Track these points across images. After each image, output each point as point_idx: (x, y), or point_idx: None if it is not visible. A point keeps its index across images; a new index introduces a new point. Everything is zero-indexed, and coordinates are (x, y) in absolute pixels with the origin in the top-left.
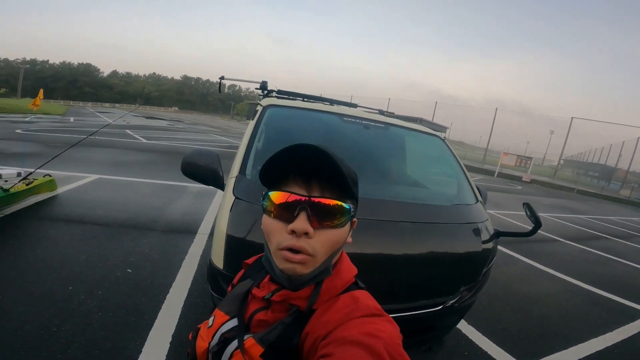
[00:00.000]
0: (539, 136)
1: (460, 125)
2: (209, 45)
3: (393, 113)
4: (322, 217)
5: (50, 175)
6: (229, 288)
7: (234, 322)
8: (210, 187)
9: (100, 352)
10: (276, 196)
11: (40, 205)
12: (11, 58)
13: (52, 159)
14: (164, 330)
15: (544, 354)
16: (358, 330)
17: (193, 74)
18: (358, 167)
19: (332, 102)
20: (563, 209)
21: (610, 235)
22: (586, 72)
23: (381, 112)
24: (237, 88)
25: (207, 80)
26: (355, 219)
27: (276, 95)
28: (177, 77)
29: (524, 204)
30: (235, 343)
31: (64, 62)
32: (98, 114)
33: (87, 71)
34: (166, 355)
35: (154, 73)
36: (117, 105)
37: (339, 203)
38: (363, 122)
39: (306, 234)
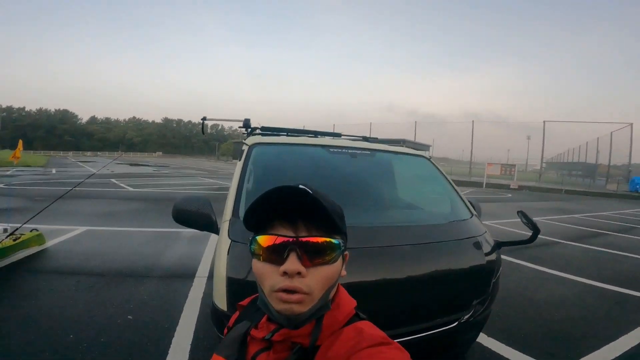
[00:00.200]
0: (517, 143)
1: (442, 142)
2: (188, 86)
3: (376, 138)
4: (313, 255)
5: (37, 230)
6: (225, 331)
7: None
8: (203, 232)
9: None
10: (264, 240)
11: (30, 259)
12: None
13: (38, 213)
14: None
15: (577, 356)
16: None
17: (174, 115)
18: (349, 197)
19: (316, 133)
20: (556, 210)
21: (609, 231)
22: (551, 75)
23: (365, 139)
24: (219, 127)
25: (189, 122)
26: (347, 253)
27: (260, 132)
28: (158, 120)
29: (518, 211)
30: None
31: (40, 109)
32: (80, 163)
33: (64, 118)
34: None
35: (134, 117)
36: (99, 153)
37: (327, 239)
38: (349, 151)
39: (299, 273)
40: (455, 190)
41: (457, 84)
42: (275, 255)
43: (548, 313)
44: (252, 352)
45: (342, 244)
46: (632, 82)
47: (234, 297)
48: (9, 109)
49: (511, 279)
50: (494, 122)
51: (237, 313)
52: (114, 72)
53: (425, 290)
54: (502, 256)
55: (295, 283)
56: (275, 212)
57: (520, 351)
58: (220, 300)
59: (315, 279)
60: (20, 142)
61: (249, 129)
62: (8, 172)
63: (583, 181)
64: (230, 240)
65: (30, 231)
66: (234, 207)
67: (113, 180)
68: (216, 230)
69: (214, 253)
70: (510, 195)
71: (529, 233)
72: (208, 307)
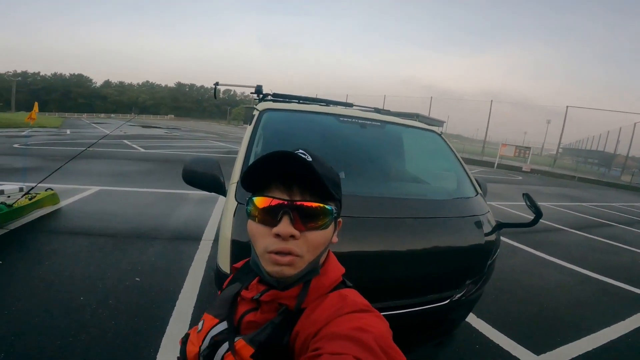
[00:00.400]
0: (536, 126)
1: (457, 119)
2: (201, 51)
3: (389, 110)
4: (305, 219)
5: (52, 189)
6: (219, 293)
7: (223, 325)
8: (211, 194)
9: None
10: (259, 201)
11: (44, 219)
12: (1, 71)
13: (53, 172)
14: (177, 337)
15: (557, 345)
16: (347, 326)
17: (187, 80)
18: (355, 166)
19: (327, 102)
20: (565, 197)
21: (614, 222)
22: (580, 59)
23: (377, 110)
24: (232, 93)
25: (202, 86)
26: (340, 219)
27: (271, 98)
28: (171, 84)
29: (523, 194)
30: (225, 345)
31: (55, 74)
32: (94, 125)
33: (79, 82)
34: None
35: (148, 81)
36: (112, 115)
37: (320, 205)
38: (359, 121)
39: (292, 236)
40: (464, 167)
41: (478, 62)
42: (269, 217)
43: (538, 299)
44: (241, 312)
45: (334, 211)
46: None
47: (237, 259)
48: (24, 74)
49: (508, 262)
50: (513, 103)
51: (231, 276)
52: (129, 37)
53: (420, 265)
54: (503, 238)
55: (289, 245)
56: (272, 176)
57: (505, 334)
58: (224, 263)
59: (307, 243)
60: (36, 104)
61: (261, 95)
62: (23, 133)
63: (598, 170)
64: (236, 203)
65: (45, 190)
66: (242, 170)
67: (125, 141)
68: (224, 192)
69: (221, 215)
70: (520, 177)
71: (532, 216)
72: (212, 271)
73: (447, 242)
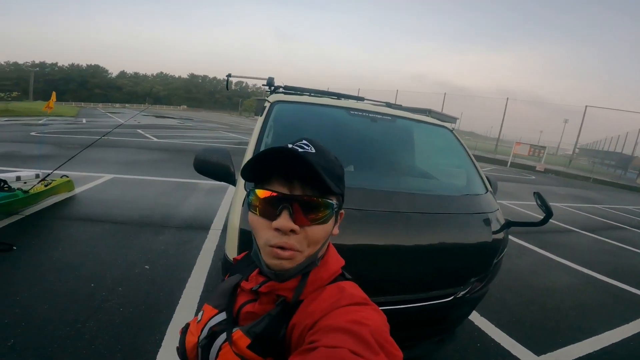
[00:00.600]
0: (552, 125)
1: (471, 116)
2: (214, 43)
3: (400, 105)
4: (305, 213)
5: (67, 176)
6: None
7: (222, 316)
8: (221, 184)
9: (122, 346)
10: (260, 194)
11: (59, 206)
12: (20, 61)
13: (69, 160)
14: (182, 325)
15: (558, 346)
16: (344, 319)
17: (200, 71)
18: (364, 159)
19: (339, 96)
20: (578, 198)
21: (627, 225)
22: (600, 59)
23: (388, 105)
24: (244, 85)
25: (214, 78)
26: (342, 211)
27: (283, 91)
28: (184, 75)
29: (534, 193)
30: (223, 336)
31: (72, 64)
32: (109, 114)
33: (95, 72)
34: None
35: (162, 72)
36: (127, 105)
37: (320, 199)
38: (370, 115)
39: (292, 231)
40: (474, 164)
41: (495, 58)
42: (270, 209)
43: (542, 299)
44: (240, 303)
45: (335, 205)
46: None
47: (245, 248)
48: (42, 64)
49: (515, 261)
50: (530, 101)
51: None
52: (144, 30)
53: (425, 260)
54: (512, 238)
55: (289, 240)
56: (273, 169)
57: (507, 334)
58: (232, 251)
59: (307, 237)
60: (54, 93)
61: (272, 87)
62: (41, 121)
63: (614, 172)
64: (245, 192)
65: (61, 177)
66: None
67: (139, 130)
68: (233, 182)
69: (230, 204)
70: (534, 177)
71: (542, 216)
72: (219, 261)
73: (453, 238)
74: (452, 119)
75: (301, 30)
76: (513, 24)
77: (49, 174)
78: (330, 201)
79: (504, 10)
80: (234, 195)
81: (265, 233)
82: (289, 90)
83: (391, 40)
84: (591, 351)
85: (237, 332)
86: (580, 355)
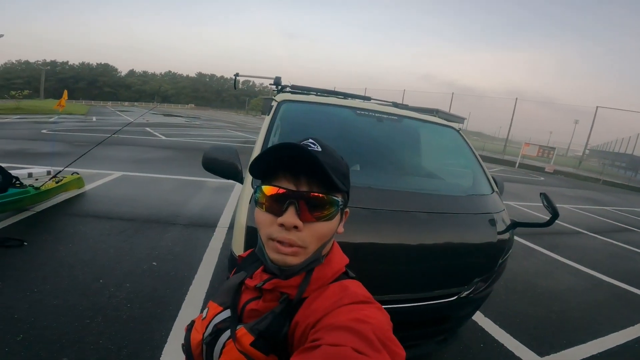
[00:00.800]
0: (562, 126)
1: (479, 116)
2: (222, 42)
3: (407, 105)
4: (310, 210)
5: (78, 173)
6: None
7: (227, 313)
8: (228, 182)
9: (129, 342)
10: (267, 189)
11: (69, 202)
12: (31, 60)
13: (80, 157)
14: (188, 321)
15: (562, 347)
16: (347, 317)
17: (207, 70)
18: (369, 158)
19: (345, 95)
20: (587, 200)
21: (637, 228)
22: (612, 58)
23: (395, 105)
24: (251, 84)
25: (222, 77)
26: (347, 210)
27: (290, 90)
28: (192, 74)
29: (540, 194)
30: (227, 333)
31: (83, 63)
32: (118, 112)
33: (105, 71)
34: None
35: (170, 71)
36: (135, 103)
37: (326, 197)
38: (376, 115)
39: (295, 227)
40: (481, 165)
41: (503, 58)
42: (276, 205)
43: (548, 301)
44: (244, 300)
45: (341, 202)
46: None
47: (251, 245)
48: (53, 63)
49: (521, 262)
50: (539, 101)
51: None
52: (153, 29)
53: (429, 260)
54: (519, 239)
55: (291, 236)
56: (281, 166)
57: (511, 335)
58: (238, 248)
59: (311, 234)
60: (65, 91)
61: (279, 87)
62: (52, 119)
63: (624, 174)
64: (253, 190)
65: (72, 174)
66: None
67: (148, 128)
68: (241, 180)
69: (237, 202)
70: (542, 178)
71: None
72: (225, 258)
73: (458, 238)
74: (460, 119)
75: (308, 30)
76: (523, 23)
77: (60, 171)
78: (336, 198)
79: (514, 9)
80: (241, 192)
81: (269, 228)
82: (295, 89)
83: (399, 40)
84: (595, 353)
85: (241, 330)
86: (584, 356)
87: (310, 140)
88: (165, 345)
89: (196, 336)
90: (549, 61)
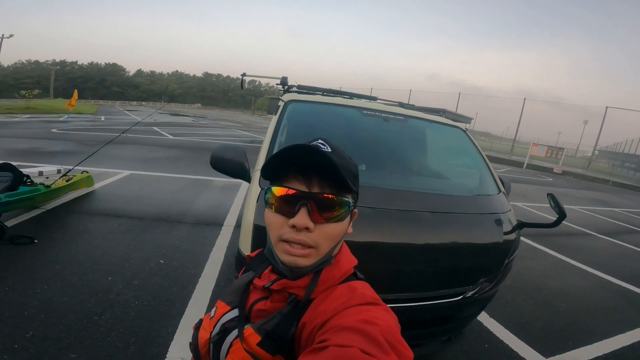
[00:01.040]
0: (571, 126)
1: (486, 116)
2: (228, 42)
3: (413, 105)
4: (321, 211)
5: (87, 172)
6: (238, 276)
7: (234, 313)
8: (234, 181)
9: (136, 339)
10: (278, 191)
11: (78, 200)
12: (41, 60)
13: (89, 156)
14: (194, 320)
15: (568, 348)
16: (354, 318)
17: (214, 70)
18: (376, 158)
19: (351, 95)
20: (596, 201)
21: None
22: (623, 58)
23: (401, 105)
24: (257, 83)
25: (228, 76)
26: (355, 210)
27: (296, 90)
28: (199, 74)
29: (548, 194)
30: (235, 332)
31: (92, 63)
32: (126, 112)
33: (113, 71)
34: None
35: (177, 71)
36: (143, 103)
37: (338, 197)
38: (382, 115)
39: (307, 228)
40: (488, 165)
41: (511, 58)
42: (287, 207)
43: (554, 302)
44: (252, 300)
45: (351, 203)
46: None
47: (258, 244)
48: (62, 63)
49: (528, 263)
50: (548, 102)
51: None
52: (161, 29)
53: (435, 259)
54: (526, 240)
55: (302, 237)
56: (292, 167)
57: (516, 335)
58: (245, 247)
59: (322, 235)
60: (75, 91)
61: (286, 87)
62: (62, 119)
63: (634, 175)
64: (260, 189)
65: (82, 173)
66: (267, 157)
67: (155, 128)
68: (248, 179)
69: (244, 200)
70: (550, 179)
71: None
72: (232, 257)
73: (464, 238)
74: (467, 119)
75: (314, 29)
76: (532, 22)
77: (70, 170)
78: (347, 199)
79: (523, 7)
80: (249, 191)
81: (279, 229)
82: (302, 89)
83: (406, 39)
84: (600, 354)
85: (248, 329)
86: (590, 358)
87: (320, 141)
88: (172, 342)
89: (204, 335)
90: (558, 61)
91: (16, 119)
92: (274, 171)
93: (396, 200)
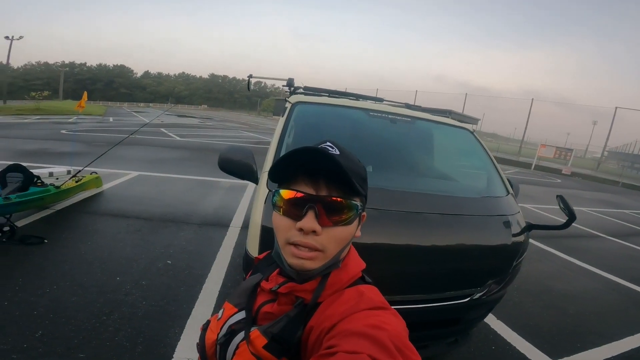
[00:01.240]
0: (580, 127)
1: (494, 117)
2: (234, 44)
3: (420, 106)
4: (329, 214)
5: (96, 173)
6: (246, 277)
7: (241, 315)
8: (240, 182)
9: (144, 339)
10: (285, 193)
11: (87, 201)
12: (50, 61)
13: (99, 157)
14: (201, 320)
15: (576, 350)
16: (362, 323)
17: (220, 72)
18: (383, 160)
19: (358, 97)
20: (605, 203)
21: None
22: (633, 57)
23: (407, 106)
24: (262, 85)
25: (234, 78)
26: (364, 213)
27: (303, 92)
28: (205, 75)
29: (557, 196)
30: (241, 334)
31: (100, 64)
32: (134, 113)
33: (121, 72)
34: None
35: (183, 72)
36: (150, 104)
37: (346, 201)
38: (389, 116)
39: (314, 231)
40: (495, 166)
41: (519, 58)
42: (295, 209)
43: (562, 304)
44: (259, 302)
45: (360, 206)
46: None
47: (266, 245)
48: (72, 65)
49: (536, 265)
50: (556, 102)
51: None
52: (169, 31)
53: (443, 261)
54: (535, 242)
55: (309, 240)
56: (300, 170)
57: (523, 337)
58: (253, 248)
59: (330, 238)
60: (85, 93)
61: (292, 88)
62: (71, 120)
63: None
64: (268, 190)
65: (91, 174)
66: (274, 159)
67: (163, 129)
68: (256, 180)
69: (252, 201)
70: (559, 180)
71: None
72: (238, 257)
73: (472, 240)
74: (474, 120)
75: (320, 30)
76: (540, 22)
77: (79, 171)
78: (355, 202)
79: (530, 7)
80: (256, 193)
81: (287, 232)
82: (308, 91)
83: (412, 40)
84: (609, 356)
85: (255, 332)
86: None
87: (328, 143)
88: (179, 342)
89: (211, 336)
90: (566, 61)
91: (26, 120)
92: (281, 173)
93: (403, 202)
